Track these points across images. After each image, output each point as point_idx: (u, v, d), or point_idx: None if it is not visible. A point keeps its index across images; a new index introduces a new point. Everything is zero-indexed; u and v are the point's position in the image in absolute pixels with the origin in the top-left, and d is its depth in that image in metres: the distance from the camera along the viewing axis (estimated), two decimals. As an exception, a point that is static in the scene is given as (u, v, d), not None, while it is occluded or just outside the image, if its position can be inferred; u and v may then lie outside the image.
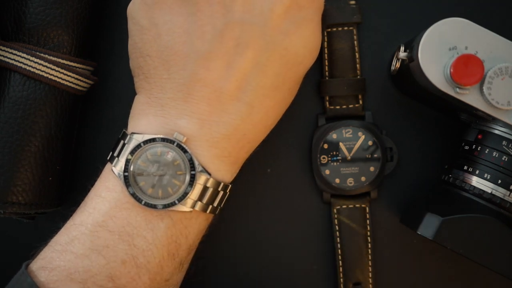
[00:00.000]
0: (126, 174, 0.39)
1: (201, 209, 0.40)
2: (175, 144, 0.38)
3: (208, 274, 0.49)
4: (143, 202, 0.38)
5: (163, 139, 0.38)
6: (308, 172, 0.49)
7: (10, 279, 0.42)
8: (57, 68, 0.43)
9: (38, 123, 0.43)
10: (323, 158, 0.48)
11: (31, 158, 0.43)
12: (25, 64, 0.42)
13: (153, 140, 0.38)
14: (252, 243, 0.49)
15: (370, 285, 0.48)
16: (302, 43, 0.41)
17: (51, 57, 0.43)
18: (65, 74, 0.43)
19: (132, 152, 0.39)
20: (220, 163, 0.40)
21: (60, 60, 0.43)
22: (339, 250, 0.48)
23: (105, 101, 0.49)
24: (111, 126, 0.49)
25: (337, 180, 0.48)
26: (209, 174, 0.39)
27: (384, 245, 0.49)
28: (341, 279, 0.48)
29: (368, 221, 0.48)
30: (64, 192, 0.46)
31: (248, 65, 0.39)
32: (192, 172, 0.39)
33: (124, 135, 0.40)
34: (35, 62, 0.42)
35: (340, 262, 0.48)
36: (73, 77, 0.44)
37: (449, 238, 0.40)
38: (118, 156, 0.40)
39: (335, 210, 0.48)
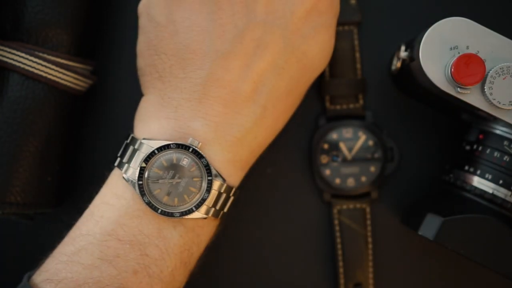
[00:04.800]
0: (140, 182, 0.37)
1: (214, 215, 0.39)
2: (191, 150, 0.37)
3: (207, 273, 0.48)
4: (159, 211, 0.37)
5: (178, 145, 0.37)
6: (308, 172, 0.49)
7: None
8: (56, 68, 0.43)
9: (37, 123, 0.43)
10: (324, 158, 0.48)
11: (29, 158, 0.42)
12: (23, 63, 0.42)
13: (167, 146, 0.37)
14: (252, 243, 0.49)
15: (371, 286, 0.48)
16: (319, 48, 0.41)
17: (50, 57, 0.43)
18: (64, 74, 0.43)
19: (146, 160, 0.38)
20: (232, 168, 0.40)
21: (59, 59, 0.43)
22: (340, 251, 0.48)
23: (105, 101, 0.49)
24: (111, 126, 0.49)
25: (338, 180, 0.48)
26: (224, 179, 0.39)
27: (385, 246, 0.49)
28: (342, 280, 0.48)
29: (368, 222, 0.48)
30: (63, 193, 0.46)
31: (265, 67, 0.39)
32: (209, 178, 0.38)
33: (134, 140, 0.39)
34: (34, 62, 0.42)
35: (341, 262, 0.48)
36: (72, 77, 0.43)
37: (450, 238, 0.40)
38: (128, 162, 0.39)
39: (335, 211, 0.48)
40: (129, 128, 0.45)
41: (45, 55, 0.42)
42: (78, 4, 0.43)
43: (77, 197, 0.49)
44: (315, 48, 0.40)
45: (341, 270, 0.48)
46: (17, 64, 0.42)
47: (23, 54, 0.42)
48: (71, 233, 0.39)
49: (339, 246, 0.48)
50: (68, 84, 0.43)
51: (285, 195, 0.49)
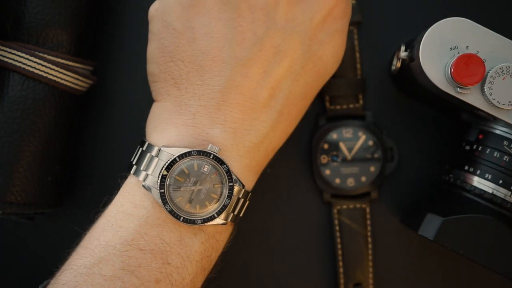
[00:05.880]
0: (162, 190, 0.37)
1: (232, 220, 0.39)
2: (211, 156, 0.37)
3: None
4: (181, 219, 0.37)
5: (199, 152, 0.37)
6: (308, 172, 0.49)
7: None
8: (56, 68, 0.43)
9: (37, 123, 0.43)
10: (323, 158, 0.48)
11: (30, 158, 0.42)
12: (24, 63, 0.42)
13: (188, 153, 0.37)
14: (252, 243, 0.49)
15: (371, 286, 0.48)
16: (333, 53, 0.41)
17: (50, 57, 0.43)
18: (64, 74, 0.43)
19: (167, 168, 0.37)
20: (249, 173, 0.40)
21: (59, 59, 0.43)
22: (340, 251, 0.48)
23: (105, 101, 0.49)
24: (111, 126, 0.49)
25: (338, 180, 0.48)
26: (243, 185, 0.39)
27: (385, 246, 0.49)
28: (342, 280, 0.48)
29: (368, 222, 0.48)
30: (63, 192, 0.46)
31: (283, 73, 0.39)
32: (230, 184, 0.38)
33: (151, 148, 0.38)
34: (34, 62, 0.42)
35: (341, 262, 0.48)
36: (73, 77, 0.43)
37: (449, 238, 0.40)
38: (146, 170, 0.38)
39: (335, 211, 0.48)
40: (129, 127, 0.45)
41: (45, 55, 0.42)
42: (78, 4, 0.43)
43: (77, 197, 0.49)
44: (329, 53, 0.41)
45: (341, 270, 0.48)
46: (18, 64, 0.42)
47: (23, 54, 0.42)
48: (87, 243, 0.37)
49: (339, 246, 0.48)
50: (68, 84, 0.43)
51: (285, 195, 0.49)
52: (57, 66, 0.43)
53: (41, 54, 0.42)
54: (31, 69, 0.42)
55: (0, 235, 0.49)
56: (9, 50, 0.42)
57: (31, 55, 0.42)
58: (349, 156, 0.48)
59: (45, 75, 0.42)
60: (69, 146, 0.46)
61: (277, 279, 0.49)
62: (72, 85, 0.44)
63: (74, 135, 0.46)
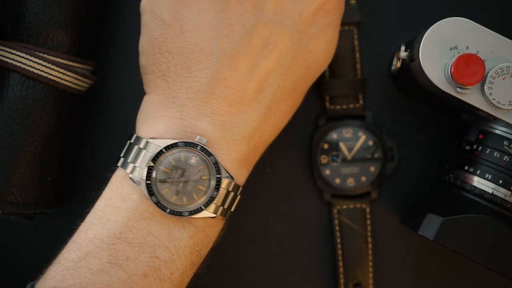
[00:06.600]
0: (148, 182, 0.37)
1: (222, 214, 0.39)
2: (199, 148, 0.37)
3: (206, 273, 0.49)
4: (168, 211, 0.37)
5: (186, 144, 0.37)
6: (308, 172, 0.49)
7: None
8: (56, 68, 0.43)
9: (37, 123, 0.43)
10: (323, 158, 0.48)
11: (30, 158, 0.42)
12: (24, 63, 0.42)
13: (175, 145, 0.37)
14: (252, 243, 0.49)
15: (371, 286, 0.48)
16: (324, 47, 0.41)
17: (50, 57, 0.43)
18: (64, 74, 0.43)
19: (154, 159, 0.37)
20: (238, 167, 0.39)
21: (59, 59, 0.43)
22: (340, 251, 0.48)
23: (105, 101, 0.49)
24: (111, 126, 0.49)
25: (338, 180, 0.48)
26: (232, 178, 0.39)
27: (385, 246, 0.49)
28: (342, 280, 0.48)
29: (368, 222, 0.48)
30: (63, 192, 0.46)
31: (272, 66, 0.39)
32: (218, 176, 0.37)
33: (139, 140, 0.38)
34: (34, 62, 0.42)
35: (341, 262, 0.48)
36: (73, 77, 0.44)
37: (449, 238, 0.40)
38: (133, 162, 0.38)
39: (335, 211, 0.48)
40: (129, 128, 0.45)
41: (45, 55, 0.42)
42: (78, 4, 0.43)
43: (77, 197, 0.49)
44: (320, 47, 0.40)
45: (341, 270, 0.48)
46: (18, 64, 0.42)
47: (23, 54, 0.42)
48: (75, 238, 0.37)
49: (339, 246, 0.48)
50: (68, 84, 0.43)
51: (285, 195, 0.49)
52: (57, 66, 0.43)
53: (41, 54, 0.42)
54: (31, 69, 0.42)
55: (0, 235, 0.49)
56: (9, 50, 0.42)
57: (31, 55, 0.42)
58: (349, 156, 0.48)
59: (45, 75, 0.42)
60: (69, 146, 0.46)
61: (276, 280, 0.49)
62: (72, 85, 0.44)
63: (74, 135, 0.46)
